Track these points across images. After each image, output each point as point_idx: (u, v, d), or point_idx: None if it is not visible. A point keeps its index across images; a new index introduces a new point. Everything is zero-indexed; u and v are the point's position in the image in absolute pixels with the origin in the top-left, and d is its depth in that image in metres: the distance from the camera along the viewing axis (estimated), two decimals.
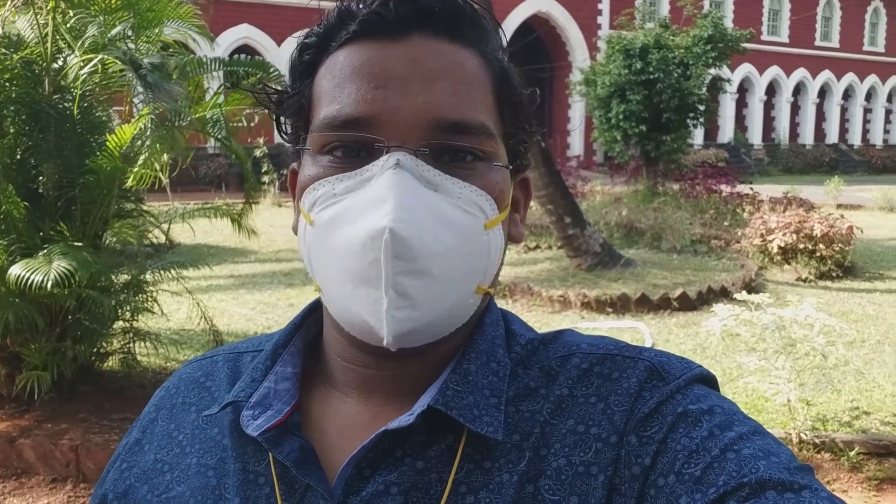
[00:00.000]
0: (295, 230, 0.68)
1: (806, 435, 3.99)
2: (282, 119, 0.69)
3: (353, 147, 0.61)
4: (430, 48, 0.61)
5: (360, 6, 0.62)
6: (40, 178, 4.18)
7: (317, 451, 0.62)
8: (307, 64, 0.65)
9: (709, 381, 0.63)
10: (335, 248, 0.59)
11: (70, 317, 4.25)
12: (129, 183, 3.91)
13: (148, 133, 3.89)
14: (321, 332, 0.71)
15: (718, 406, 0.58)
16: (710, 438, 0.55)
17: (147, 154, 3.80)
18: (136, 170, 3.89)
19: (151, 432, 0.71)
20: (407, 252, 0.56)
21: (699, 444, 0.55)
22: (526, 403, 0.62)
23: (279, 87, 0.68)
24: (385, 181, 0.58)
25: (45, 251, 3.79)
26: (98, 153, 3.97)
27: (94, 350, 4.58)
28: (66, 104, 4.19)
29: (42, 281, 3.54)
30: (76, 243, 3.95)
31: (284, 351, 0.69)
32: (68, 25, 4.13)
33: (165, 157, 4.86)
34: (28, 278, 3.57)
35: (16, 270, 3.62)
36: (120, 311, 4.50)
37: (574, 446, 0.59)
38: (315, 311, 0.73)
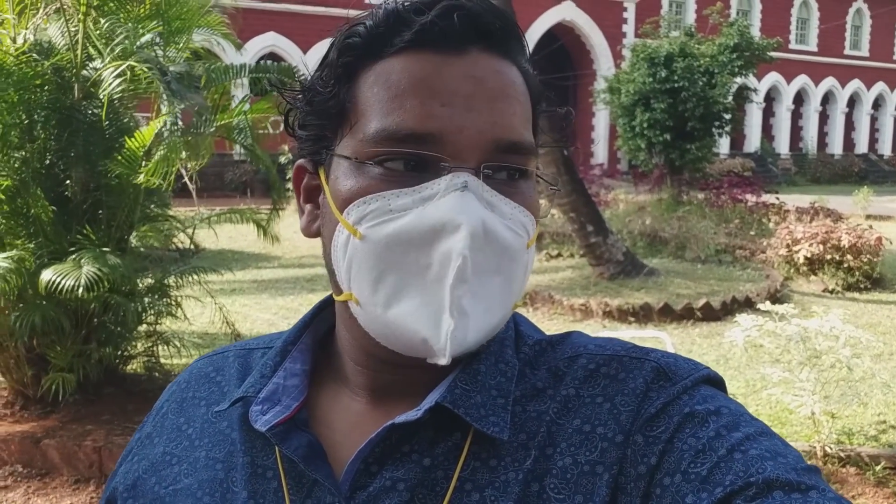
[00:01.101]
0: (304, 232, 0.68)
1: (831, 448, 3.92)
2: (290, 115, 0.68)
3: (410, 161, 0.60)
4: (488, 65, 0.61)
5: (410, 11, 0.61)
6: (68, 182, 4.25)
7: (324, 446, 0.63)
8: (347, 66, 0.63)
9: (716, 382, 0.63)
10: (397, 266, 0.59)
11: (95, 320, 4.31)
12: (141, 179, 3.95)
13: (166, 136, 3.93)
14: (331, 330, 0.72)
15: (725, 407, 0.58)
16: (716, 439, 0.55)
17: (164, 152, 3.84)
18: (149, 166, 3.92)
19: (162, 425, 0.73)
20: (473, 276, 0.58)
21: (706, 443, 0.55)
22: (533, 403, 0.63)
23: (305, 87, 0.67)
24: (452, 203, 0.58)
25: (75, 256, 3.86)
26: (118, 156, 4.02)
27: (119, 353, 4.65)
28: (95, 110, 4.26)
29: (73, 286, 3.60)
30: (104, 248, 4.01)
31: (294, 348, 0.70)
32: (98, 33, 4.21)
33: (192, 164, 4.93)
34: (59, 283, 3.63)
35: (47, 275, 3.69)
36: (144, 314, 4.56)
37: (580, 445, 0.59)
38: (324, 310, 0.74)
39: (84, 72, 4.23)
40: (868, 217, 14.53)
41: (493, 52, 0.62)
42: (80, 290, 3.59)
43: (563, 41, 24.14)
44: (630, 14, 26.71)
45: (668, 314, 6.97)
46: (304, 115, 0.66)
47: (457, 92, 0.59)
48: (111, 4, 4.24)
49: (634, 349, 0.65)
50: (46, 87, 4.12)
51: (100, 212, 4.32)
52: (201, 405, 0.72)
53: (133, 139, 3.94)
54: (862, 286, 8.43)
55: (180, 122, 4.17)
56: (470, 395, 0.61)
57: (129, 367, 4.86)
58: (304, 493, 0.61)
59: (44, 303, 3.94)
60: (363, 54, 0.63)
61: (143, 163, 4.02)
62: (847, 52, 33.06)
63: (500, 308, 0.62)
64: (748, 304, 7.12)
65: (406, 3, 0.62)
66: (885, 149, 34.56)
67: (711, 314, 7.02)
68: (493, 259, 0.59)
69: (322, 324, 0.73)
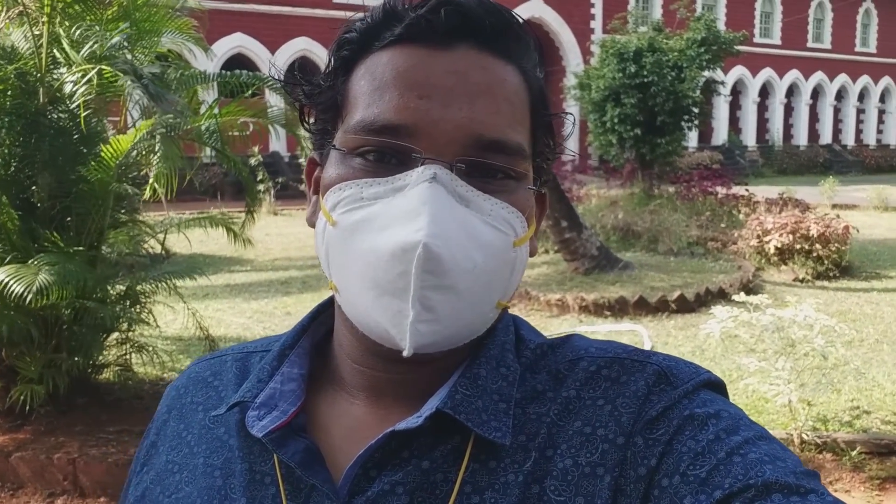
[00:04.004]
0: (308, 222, 0.68)
1: (807, 435, 3.98)
2: (305, 109, 0.69)
3: (386, 153, 0.60)
4: (476, 61, 0.61)
5: (407, 8, 0.62)
6: (34, 188, 4.16)
7: (322, 451, 0.62)
8: (344, 60, 0.64)
9: (717, 386, 0.63)
10: (360, 253, 0.59)
11: (66, 329, 4.22)
12: (147, 195, 3.92)
13: (158, 147, 3.86)
14: (329, 334, 0.71)
15: (725, 411, 0.59)
16: (716, 442, 0.55)
17: (159, 166, 3.79)
18: (150, 183, 3.91)
19: (165, 433, 0.72)
20: (437, 268, 0.56)
21: (705, 446, 0.55)
22: (533, 406, 0.62)
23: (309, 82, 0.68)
24: (420, 194, 0.57)
25: (34, 261, 3.76)
26: (92, 163, 3.95)
27: (91, 362, 4.55)
28: (60, 115, 4.17)
29: (24, 292, 3.49)
30: (77, 248, 3.93)
31: (291, 352, 0.69)
32: (66, 36, 4.11)
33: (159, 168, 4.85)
34: (9, 285, 3.53)
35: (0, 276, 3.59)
36: (116, 322, 4.47)
37: (580, 447, 0.59)
38: (322, 313, 0.73)
39: (48, 77, 4.14)
40: (834, 206, 14.82)
41: (485, 50, 0.62)
42: (30, 296, 3.47)
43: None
44: (598, 10, 26.91)
45: (643, 307, 7.03)
46: (312, 111, 0.68)
47: (437, 85, 0.59)
48: (76, 7, 4.15)
49: (636, 352, 0.65)
50: (10, 93, 4.03)
51: (68, 218, 4.23)
52: (199, 410, 0.71)
53: (108, 146, 3.86)
54: (831, 274, 8.59)
55: (172, 132, 4.10)
56: (471, 401, 0.61)
57: (101, 377, 4.77)
58: (303, 499, 0.61)
59: (11, 312, 3.84)
60: (358, 48, 0.64)
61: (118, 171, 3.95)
62: (810, 44, 33.65)
63: (479, 305, 0.60)
64: (721, 296, 7.22)
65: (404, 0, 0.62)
66: (849, 139, 35.25)
67: (686, 306, 7.10)
68: (469, 254, 0.58)
69: (320, 327, 0.72)
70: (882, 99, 36.74)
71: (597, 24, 26.61)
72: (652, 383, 0.61)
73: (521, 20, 0.64)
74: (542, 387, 0.63)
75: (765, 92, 32.40)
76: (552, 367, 0.65)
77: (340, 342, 0.68)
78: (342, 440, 0.64)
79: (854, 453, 3.88)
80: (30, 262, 3.76)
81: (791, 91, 33.22)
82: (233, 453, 0.65)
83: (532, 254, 0.68)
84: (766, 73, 31.85)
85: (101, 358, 4.65)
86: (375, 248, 0.58)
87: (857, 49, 35.30)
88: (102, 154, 3.91)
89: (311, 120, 0.68)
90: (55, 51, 4.13)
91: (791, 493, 0.51)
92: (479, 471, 0.59)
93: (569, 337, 0.69)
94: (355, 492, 0.59)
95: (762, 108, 32.52)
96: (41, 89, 4.11)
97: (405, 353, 0.57)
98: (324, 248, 0.63)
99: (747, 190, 13.05)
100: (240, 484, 0.63)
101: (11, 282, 3.53)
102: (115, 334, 4.65)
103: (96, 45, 3.89)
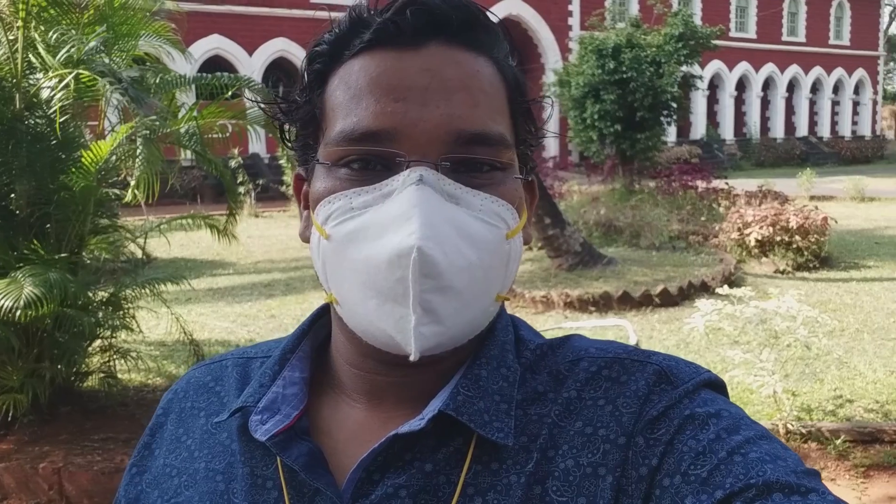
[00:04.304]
0: (302, 237, 0.68)
1: (792, 425, 4.03)
2: (285, 127, 0.68)
3: (371, 160, 0.60)
4: (447, 57, 0.61)
5: (374, 14, 0.61)
6: (12, 196, 4.10)
7: (325, 455, 0.63)
8: (317, 73, 0.64)
9: (717, 385, 0.63)
10: (357, 263, 0.59)
11: (47, 337, 4.17)
12: (128, 199, 3.89)
13: (139, 150, 3.81)
14: (329, 338, 0.71)
15: (725, 410, 0.59)
16: (717, 441, 0.56)
17: (141, 171, 3.74)
18: (131, 187, 3.87)
19: (161, 436, 0.72)
20: (433, 270, 0.56)
21: (706, 446, 0.55)
22: (534, 407, 0.63)
23: (284, 98, 0.68)
24: (408, 197, 0.57)
25: (17, 273, 3.71)
26: (72, 169, 3.90)
27: (74, 370, 4.50)
28: (38, 121, 4.12)
29: (12, 307, 3.46)
30: (59, 255, 3.87)
31: (292, 356, 0.69)
32: (41, 40, 4.06)
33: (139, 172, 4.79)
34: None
35: None
36: (99, 329, 4.42)
37: (582, 448, 0.59)
38: (322, 317, 0.73)
39: (25, 82, 4.08)
40: (812, 198, 15.01)
41: (455, 45, 0.61)
42: (18, 313, 3.45)
43: (509, 35, 24.26)
44: (575, 7, 26.99)
45: (627, 302, 7.07)
46: (291, 126, 0.67)
47: (412, 86, 0.59)
48: (52, 11, 4.09)
49: (636, 352, 0.65)
50: None
51: (48, 225, 4.17)
52: (200, 416, 0.71)
53: (88, 151, 3.81)
54: (811, 266, 8.69)
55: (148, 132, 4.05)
56: (473, 402, 0.61)
57: (85, 384, 4.71)
58: (306, 503, 0.61)
59: None
60: (329, 60, 0.63)
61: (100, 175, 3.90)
62: (785, 38, 34.00)
63: (478, 301, 0.60)
64: (704, 289, 7.28)
65: (369, 6, 0.63)
66: (824, 131, 35.67)
67: (669, 300, 7.15)
68: (463, 252, 0.58)
69: (320, 331, 0.72)
70: (856, 91, 37.21)
71: (574, 21, 26.70)
72: (652, 383, 0.61)
73: (488, 11, 0.64)
74: (543, 388, 0.64)
75: (741, 86, 32.68)
76: (552, 367, 0.65)
77: (338, 348, 0.68)
78: (345, 444, 0.64)
79: (838, 442, 3.93)
80: (12, 273, 3.71)
81: (767, 84, 33.55)
82: (235, 458, 0.65)
83: (527, 242, 0.68)
84: (743, 66, 32.14)
85: (84, 365, 4.59)
86: (371, 257, 0.58)
87: (831, 42, 35.71)
88: (83, 160, 3.86)
89: (293, 136, 0.68)
90: (31, 56, 4.08)
91: (792, 493, 0.51)
92: (481, 472, 0.59)
93: (568, 337, 0.69)
94: (359, 495, 0.59)
95: (739, 101, 32.80)
96: (17, 95, 4.06)
97: (412, 358, 0.57)
98: (320, 262, 0.63)
99: (727, 183, 13.16)
100: (241, 488, 0.63)
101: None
102: (99, 341, 4.59)
103: (73, 50, 3.83)
